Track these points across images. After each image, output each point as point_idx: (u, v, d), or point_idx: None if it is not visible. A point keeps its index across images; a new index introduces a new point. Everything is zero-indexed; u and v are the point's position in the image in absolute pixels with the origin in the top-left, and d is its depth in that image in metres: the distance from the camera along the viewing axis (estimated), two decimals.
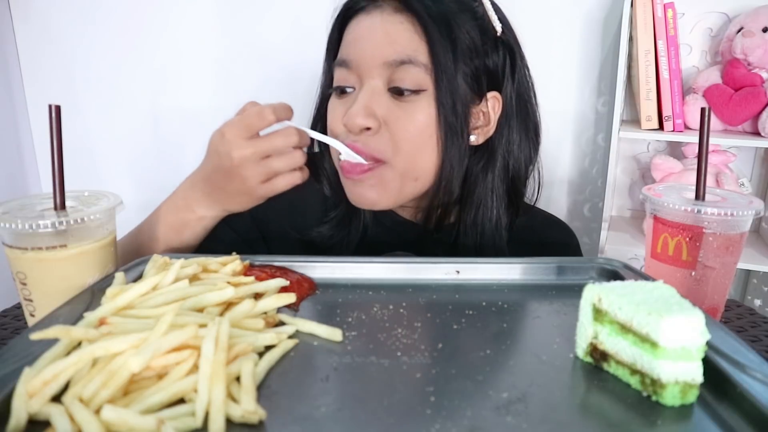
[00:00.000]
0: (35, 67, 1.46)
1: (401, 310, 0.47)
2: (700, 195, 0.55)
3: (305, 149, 0.62)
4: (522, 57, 0.69)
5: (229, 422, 0.31)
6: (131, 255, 0.65)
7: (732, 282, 0.57)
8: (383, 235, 0.73)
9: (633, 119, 1.36)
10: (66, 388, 0.33)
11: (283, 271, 0.53)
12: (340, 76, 0.65)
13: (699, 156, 0.54)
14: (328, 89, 0.69)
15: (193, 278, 0.47)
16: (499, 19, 0.66)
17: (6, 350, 0.37)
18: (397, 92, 0.62)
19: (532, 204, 0.76)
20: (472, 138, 0.66)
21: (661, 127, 1.24)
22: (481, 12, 0.65)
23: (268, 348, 0.40)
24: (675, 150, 1.38)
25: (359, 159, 0.63)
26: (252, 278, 0.48)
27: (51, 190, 0.50)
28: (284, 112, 0.60)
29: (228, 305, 0.43)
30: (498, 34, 0.65)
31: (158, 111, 1.46)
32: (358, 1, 0.65)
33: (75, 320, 0.41)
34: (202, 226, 0.66)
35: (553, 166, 1.41)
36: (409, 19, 0.61)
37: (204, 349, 0.34)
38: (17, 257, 0.49)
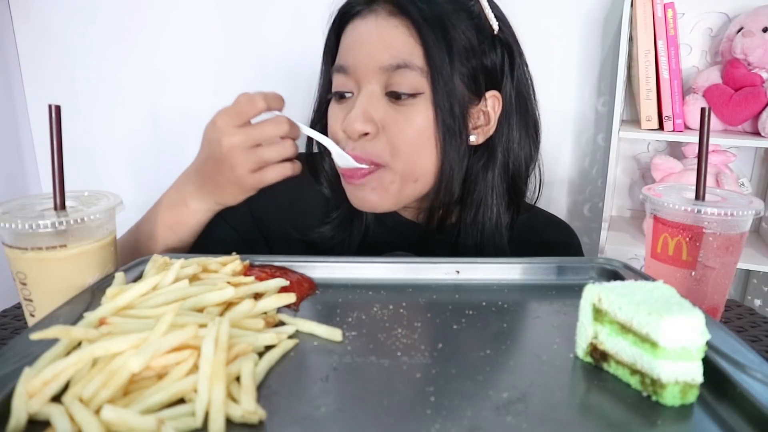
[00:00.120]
0: (35, 67, 1.46)
1: (401, 310, 0.47)
2: (700, 195, 0.54)
3: (299, 145, 0.62)
4: (521, 54, 0.69)
5: (229, 422, 0.31)
6: (130, 252, 0.65)
7: (732, 282, 0.57)
8: (385, 235, 0.73)
9: (633, 119, 1.36)
10: (66, 388, 0.33)
11: (283, 271, 0.53)
12: (338, 82, 0.66)
13: (699, 156, 0.54)
14: (327, 94, 0.69)
15: (193, 278, 0.47)
16: (496, 16, 0.65)
17: (6, 350, 0.37)
18: (394, 96, 0.62)
19: (533, 204, 0.76)
20: (473, 138, 0.66)
21: (661, 127, 1.24)
22: (477, 11, 0.64)
23: (268, 348, 0.40)
24: (675, 150, 1.38)
25: (351, 161, 0.63)
26: (252, 278, 0.48)
27: (51, 190, 0.50)
28: (275, 101, 0.60)
29: (228, 305, 0.43)
30: (495, 32, 0.65)
31: (158, 111, 1.46)
32: (354, 6, 0.65)
33: (75, 320, 0.41)
34: (196, 220, 0.66)
35: (553, 166, 1.40)
36: (404, 23, 0.61)
37: (204, 349, 0.34)
38: (17, 257, 0.49)
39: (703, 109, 0.54)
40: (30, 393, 0.31)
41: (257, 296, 0.46)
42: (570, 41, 1.34)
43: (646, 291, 0.37)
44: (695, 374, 0.34)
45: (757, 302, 1.38)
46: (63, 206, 0.50)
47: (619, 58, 1.19)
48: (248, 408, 0.32)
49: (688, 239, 0.53)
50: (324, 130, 0.69)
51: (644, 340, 0.35)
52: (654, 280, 0.43)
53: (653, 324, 0.34)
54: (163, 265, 0.50)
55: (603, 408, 0.35)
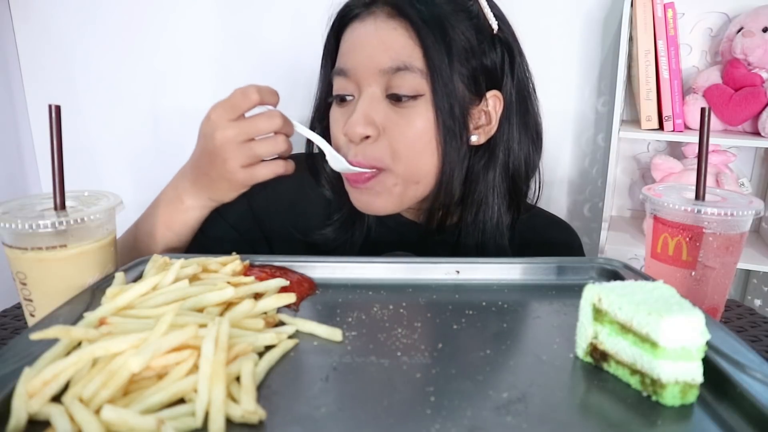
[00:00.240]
0: (35, 67, 1.46)
1: (401, 310, 0.47)
2: (700, 195, 0.54)
3: (298, 145, 0.62)
4: (520, 53, 0.69)
5: (229, 422, 0.31)
6: (130, 250, 0.65)
7: (732, 282, 0.57)
8: (386, 236, 0.73)
9: (633, 119, 1.36)
10: (66, 388, 0.33)
11: (283, 271, 0.53)
12: (338, 85, 0.65)
13: (699, 156, 0.54)
14: (327, 97, 0.69)
15: (193, 278, 0.47)
16: (495, 15, 0.65)
17: (6, 350, 0.37)
18: (395, 99, 0.62)
19: (534, 204, 0.76)
20: (474, 138, 0.66)
21: (661, 127, 1.24)
22: (476, 10, 0.64)
23: (268, 348, 0.40)
24: (675, 150, 1.38)
25: (345, 163, 0.63)
26: (252, 278, 0.48)
27: (51, 190, 0.50)
28: (270, 95, 0.59)
29: (228, 305, 0.43)
30: (495, 31, 0.65)
31: (158, 111, 1.46)
32: (352, 9, 0.65)
33: (75, 320, 0.41)
34: (191, 218, 0.66)
35: (553, 166, 1.40)
36: (403, 25, 0.61)
37: (204, 349, 0.34)
38: (17, 257, 0.49)
39: (703, 109, 0.54)
40: (30, 393, 0.31)
41: (257, 296, 0.46)
42: (570, 41, 1.34)
43: (646, 291, 0.37)
44: (695, 374, 0.34)
45: (757, 302, 1.38)
46: (63, 206, 0.50)
47: (619, 58, 1.19)
48: (248, 408, 0.32)
49: (688, 239, 0.53)
50: (324, 133, 0.69)
51: (644, 340, 0.35)
52: (654, 280, 0.43)
53: (653, 324, 0.34)
54: (163, 265, 0.50)
55: (603, 408, 0.35)
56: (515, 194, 0.71)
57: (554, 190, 1.43)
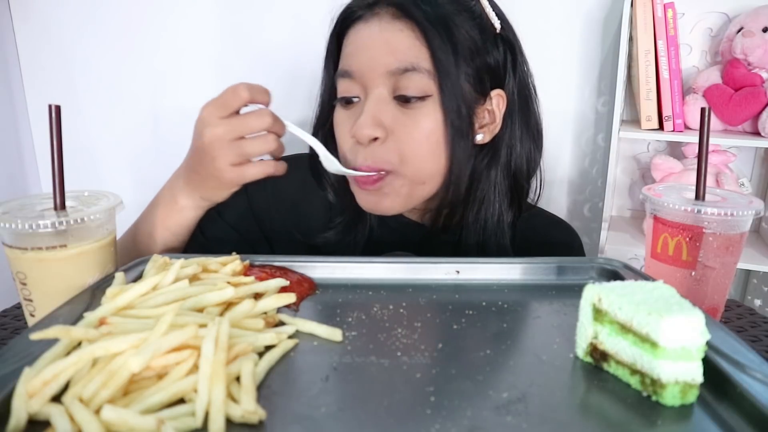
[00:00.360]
0: (35, 67, 1.46)
1: (401, 310, 0.47)
2: (700, 195, 0.54)
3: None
4: (521, 52, 0.69)
5: (229, 422, 0.31)
6: (130, 250, 0.65)
7: (732, 282, 0.57)
8: (389, 236, 0.73)
9: (633, 119, 1.36)
10: (66, 388, 0.33)
11: (283, 271, 0.53)
12: (343, 87, 0.65)
13: (699, 156, 0.54)
14: (330, 99, 0.69)
15: (193, 278, 0.47)
16: (496, 14, 0.65)
17: (6, 350, 0.37)
18: (403, 100, 0.62)
19: (534, 203, 0.76)
20: (479, 137, 0.66)
21: (661, 127, 1.24)
22: (478, 11, 0.64)
23: (268, 348, 0.40)
24: (675, 150, 1.38)
25: (338, 165, 0.62)
26: (252, 278, 0.48)
27: (51, 190, 0.50)
28: (260, 93, 0.59)
29: (228, 305, 0.43)
30: (498, 31, 0.65)
31: (158, 111, 1.46)
32: (355, 10, 0.65)
33: (75, 320, 0.41)
34: (186, 217, 0.65)
35: (553, 166, 1.40)
36: (409, 26, 0.61)
37: (204, 349, 0.34)
38: (17, 257, 0.49)
39: (703, 109, 0.54)
40: (30, 393, 0.31)
41: (257, 296, 0.46)
42: (570, 41, 1.34)
43: (646, 291, 0.37)
44: (695, 374, 0.34)
45: (757, 302, 1.38)
46: (63, 206, 0.50)
47: (619, 58, 1.19)
48: (248, 408, 0.32)
49: (688, 239, 0.53)
50: (327, 136, 0.69)
51: (644, 340, 0.35)
52: (654, 280, 0.43)
53: (653, 324, 0.34)
54: (163, 265, 0.50)
55: (603, 408, 0.35)
56: (517, 192, 0.71)
57: (554, 190, 1.43)
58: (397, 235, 0.73)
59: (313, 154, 0.71)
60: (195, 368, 0.34)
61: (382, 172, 0.63)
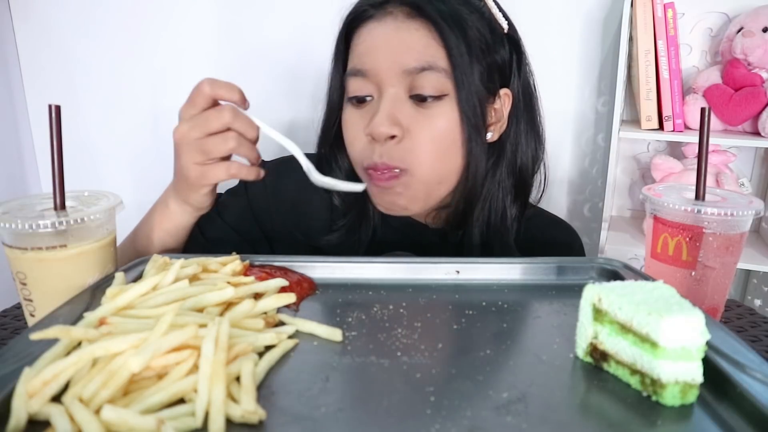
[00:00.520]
0: (35, 67, 1.46)
1: (401, 310, 0.47)
2: (700, 195, 0.54)
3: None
4: (524, 52, 0.70)
5: (229, 422, 0.31)
6: (131, 255, 0.65)
7: (732, 282, 0.57)
8: (391, 236, 0.73)
9: (633, 119, 1.36)
10: (66, 388, 0.33)
11: (283, 271, 0.53)
12: (356, 86, 0.64)
13: (699, 156, 0.54)
14: (340, 99, 0.68)
15: (193, 278, 0.47)
16: (503, 15, 0.66)
17: (6, 350, 0.37)
18: (419, 99, 0.62)
19: (536, 203, 0.77)
20: (489, 135, 0.67)
21: (661, 127, 1.24)
22: (487, 11, 0.65)
23: (268, 348, 0.40)
24: (675, 150, 1.38)
25: (317, 175, 0.60)
26: (252, 278, 0.48)
27: (51, 190, 0.50)
28: (225, 89, 0.56)
29: (228, 305, 0.43)
30: (505, 31, 0.66)
31: (158, 111, 1.46)
32: (366, 9, 0.64)
33: (75, 320, 0.41)
34: (179, 222, 0.65)
35: (553, 166, 1.40)
36: (425, 25, 0.61)
37: (204, 349, 0.34)
38: (17, 257, 0.49)
39: (703, 109, 0.54)
40: (30, 393, 0.31)
41: (257, 296, 0.46)
42: (570, 41, 1.34)
43: (646, 291, 0.37)
44: (695, 374, 0.34)
45: (757, 302, 1.38)
46: (63, 206, 0.50)
47: (619, 58, 1.19)
48: (248, 408, 0.32)
49: (688, 239, 0.53)
50: (337, 135, 0.68)
51: (644, 340, 0.35)
52: (654, 280, 0.43)
53: (653, 324, 0.34)
54: (163, 265, 0.50)
55: (603, 408, 0.35)
56: (521, 189, 0.71)
57: (554, 190, 1.43)
58: (400, 236, 0.73)
59: (319, 158, 0.71)
60: (195, 368, 0.34)
61: (396, 171, 0.63)
